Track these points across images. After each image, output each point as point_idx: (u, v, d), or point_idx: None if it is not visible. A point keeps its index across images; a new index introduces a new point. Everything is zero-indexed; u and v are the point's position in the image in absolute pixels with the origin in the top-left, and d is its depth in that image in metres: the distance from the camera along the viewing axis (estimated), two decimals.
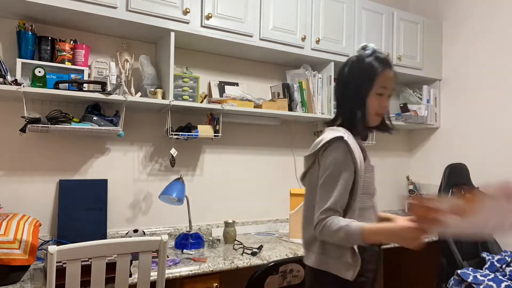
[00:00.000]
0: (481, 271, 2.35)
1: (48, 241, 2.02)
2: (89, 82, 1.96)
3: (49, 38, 1.99)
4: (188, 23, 2.15)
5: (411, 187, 3.35)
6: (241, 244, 2.26)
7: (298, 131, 2.93)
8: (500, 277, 2.27)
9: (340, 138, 1.34)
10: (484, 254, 2.55)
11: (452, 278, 2.39)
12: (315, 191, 1.36)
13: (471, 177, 2.88)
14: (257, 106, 2.43)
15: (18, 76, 1.83)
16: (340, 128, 1.40)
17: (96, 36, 2.21)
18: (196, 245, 2.15)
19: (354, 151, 1.33)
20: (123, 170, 2.27)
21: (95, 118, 1.98)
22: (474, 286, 2.25)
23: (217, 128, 2.31)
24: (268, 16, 2.40)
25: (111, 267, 1.50)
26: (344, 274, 1.29)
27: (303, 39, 2.52)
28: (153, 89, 2.17)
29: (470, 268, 2.39)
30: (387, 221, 1.43)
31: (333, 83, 2.67)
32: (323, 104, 2.65)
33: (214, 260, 1.92)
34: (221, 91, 2.53)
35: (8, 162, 1.99)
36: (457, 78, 3.20)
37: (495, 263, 2.44)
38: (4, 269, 1.52)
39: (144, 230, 2.23)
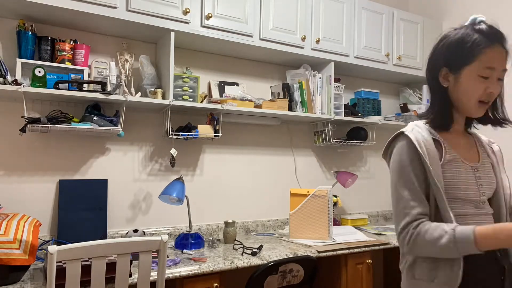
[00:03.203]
0: None
1: (48, 241, 2.02)
2: (89, 82, 1.96)
3: (49, 38, 1.99)
4: (188, 23, 2.15)
5: None
6: (241, 244, 2.26)
7: (298, 131, 2.93)
8: None
9: (401, 134, 1.19)
10: None
11: None
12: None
13: None
14: (257, 106, 2.43)
15: (18, 76, 1.83)
16: (416, 122, 1.23)
17: (96, 36, 2.21)
18: (196, 245, 2.15)
19: (421, 145, 1.13)
20: (123, 170, 2.27)
21: (95, 118, 1.98)
22: None
23: (217, 128, 2.31)
24: (268, 16, 2.40)
25: (111, 267, 1.50)
26: None
27: (303, 39, 2.52)
28: (153, 89, 2.17)
29: None
30: None
31: (333, 83, 2.68)
32: (323, 104, 2.65)
33: (214, 260, 1.92)
34: (221, 91, 2.53)
35: (8, 162, 1.99)
36: None
37: None
38: (4, 269, 1.52)
39: (144, 230, 2.24)
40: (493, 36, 1.11)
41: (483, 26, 1.12)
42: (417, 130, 1.18)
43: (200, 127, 2.27)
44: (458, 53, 1.13)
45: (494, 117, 1.23)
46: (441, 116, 1.19)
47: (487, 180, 1.19)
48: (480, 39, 1.10)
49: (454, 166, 1.15)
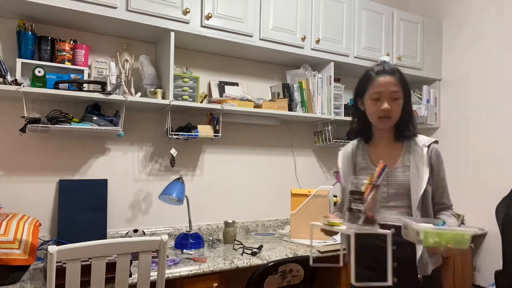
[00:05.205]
0: None
1: (48, 241, 2.02)
2: (89, 82, 1.96)
3: (49, 38, 1.99)
4: (188, 23, 2.15)
5: None
6: (241, 244, 2.26)
7: (298, 131, 2.93)
8: None
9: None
10: None
11: None
12: None
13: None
14: (257, 106, 2.43)
15: (18, 76, 1.83)
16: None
17: (96, 36, 2.21)
18: (196, 245, 2.15)
19: (339, 159, 1.66)
20: (123, 170, 2.27)
21: (95, 118, 1.98)
22: None
23: (217, 128, 2.31)
24: (268, 16, 2.40)
25: (111, 267, 1.50)
26: None
27: (303, 39, 2.52)
28: (153, 89, 2.17)
29: None
30: None
31: (333, 83, 2.67)
32: (323, 104, 2.65)
33: (214, 260, 1.92)
34: (221, 91, 2.53)
35: (8, 162, 1.99)
36: (457, 78, 3.20)
37: None
38: (4, 269, 1.52)
39: (144, 230, 2.23)
40: (379, 70, 1.48)
41: (376, 65, 1.52)
42: (350, 146, 1.64)
43: (200, 127, 2.27)
44: (360, 86, 1.54)
45: (400, 132, 1.50)
46: (362, 133, 1.59)
47: (394, 180, 1.46)
48: (369, 75, 1.50)
49: (366, 172, 1.50)
